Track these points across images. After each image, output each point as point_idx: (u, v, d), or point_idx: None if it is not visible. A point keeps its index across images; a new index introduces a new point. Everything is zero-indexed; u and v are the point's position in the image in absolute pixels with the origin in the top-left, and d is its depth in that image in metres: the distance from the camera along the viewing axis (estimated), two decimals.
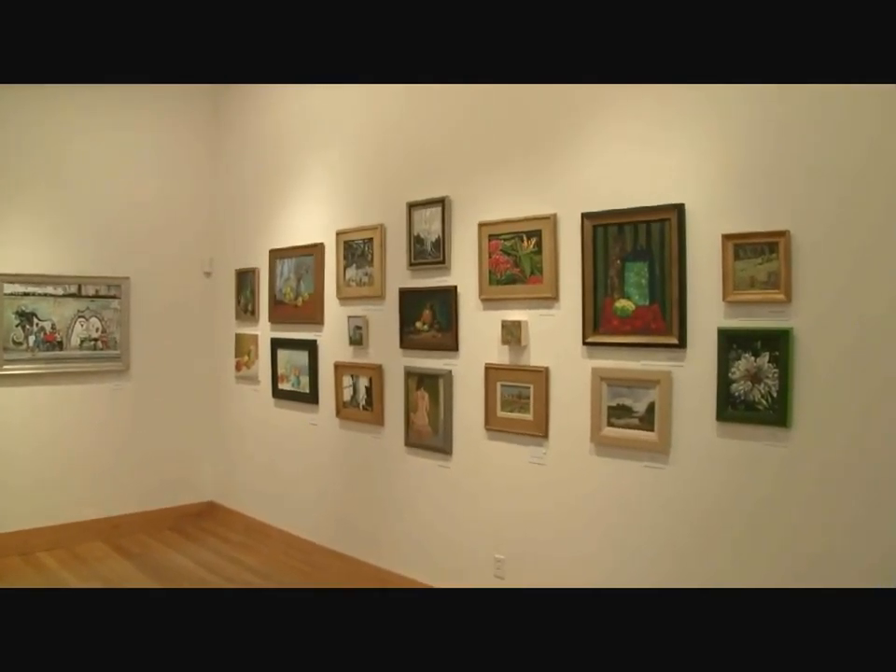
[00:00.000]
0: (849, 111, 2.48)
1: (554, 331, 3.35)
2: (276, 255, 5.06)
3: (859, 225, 2.47)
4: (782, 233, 2.61)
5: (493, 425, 3.60)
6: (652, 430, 2.99)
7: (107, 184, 5.29)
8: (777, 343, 2.63)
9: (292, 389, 4.94)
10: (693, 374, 2.88)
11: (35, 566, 4.71)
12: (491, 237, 3.56)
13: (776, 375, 2.64)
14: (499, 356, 3.58)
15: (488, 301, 3.62)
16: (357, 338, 4.34)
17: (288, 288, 4.95)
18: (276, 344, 5.08)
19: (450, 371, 3.81)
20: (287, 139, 5.03)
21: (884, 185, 2.41)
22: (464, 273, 3.74)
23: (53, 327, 5.03)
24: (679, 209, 2.88)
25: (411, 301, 4.00)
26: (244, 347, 5.44)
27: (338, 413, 4.54)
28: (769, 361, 2.66)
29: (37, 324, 4.97)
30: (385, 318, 4.19)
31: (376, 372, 4.24)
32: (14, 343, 4.88)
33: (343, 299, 4.49)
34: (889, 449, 2.41)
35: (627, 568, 3.09)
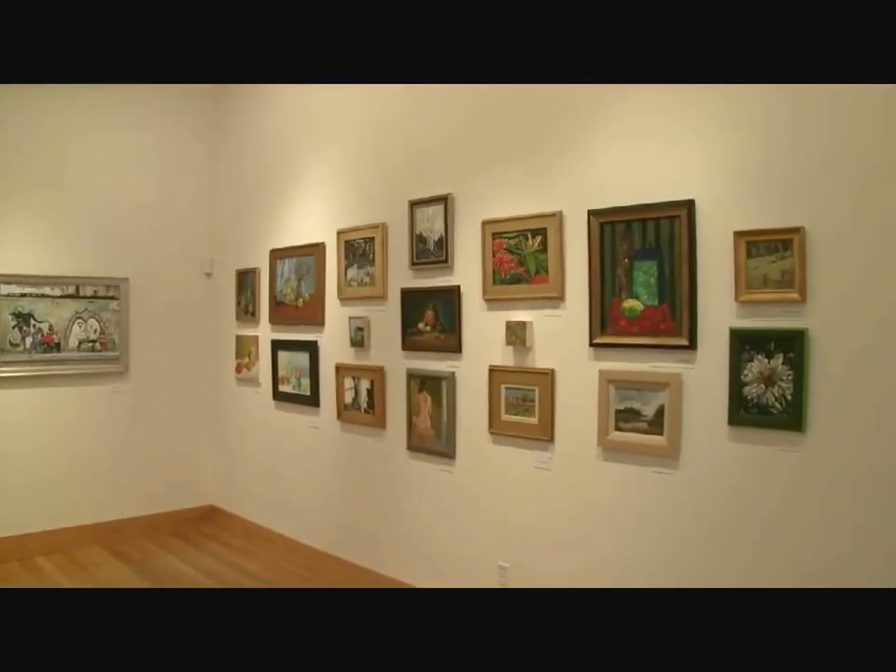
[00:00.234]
0: (866, 102, 2.38)
1: (560, 332, 3.26)
2: (277, 255, 4.99)
3: (876, 221, 2.38)
4: (796, 230, 2.52)
5: (497, 428, 3.52)
6: (661, 435, 2.90)
7: (107, 184, 5.24)
8: (791, 345, 2.54)
9: (293, 391, 4.87)
10: (703, 377, 2.79)
11: (33, 571, 4.65)
12: (495, 235, 3.48)
13: (790, 378, 2.55)
14: (503, 357, 3.50)
15: (492, 302, 3.54)
16: (359, 339, 4.26)
17: (289, 289, 4.88)
18: (277, 346, 5.01)
19: (453, 373, 3.73)
20: (288, 138, 4.97)
21: None
22: (467, 272, 3.66)
23: (51, 328, 4.97)
24: (689, 205, 2.79)
25: (413, 302, 3.92)
26: (244, 349, 5.38)
27: (339, 415, 4.46)
28: (783, 363, 2.56)
29: (35, 325, 4.91)
30: (386, 319, 4.12)
31: (378, 374, 4.16)
32: (11, 344, 4.82)
33: (345, 299, 4.42)
34: None
35: (635, 577, 3.00)
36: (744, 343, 2.66)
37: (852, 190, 2.42)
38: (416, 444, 3.95)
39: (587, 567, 3.17)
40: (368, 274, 4.23)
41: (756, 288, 2.63)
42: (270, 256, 5.07)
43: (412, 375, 3.95)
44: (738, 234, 2.66)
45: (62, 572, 4.63)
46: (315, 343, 4.65)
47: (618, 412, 3.04)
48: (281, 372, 4.98)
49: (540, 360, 3.35)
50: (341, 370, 4.42)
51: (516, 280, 3.41)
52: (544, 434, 3.31)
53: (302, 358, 4.76)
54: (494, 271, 3.50)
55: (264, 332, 5.19)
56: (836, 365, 2.47)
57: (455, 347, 3.71)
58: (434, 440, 3.84)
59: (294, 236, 4.86)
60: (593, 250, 3.09)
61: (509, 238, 3.42)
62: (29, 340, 4.88)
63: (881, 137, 2.36)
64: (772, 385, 2.59)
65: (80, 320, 5.09)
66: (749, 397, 2.65)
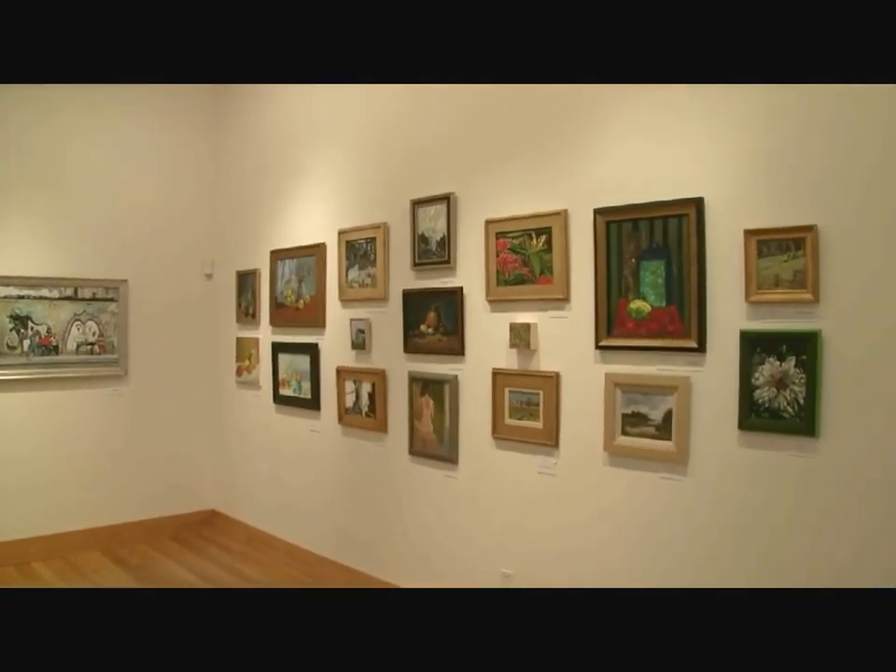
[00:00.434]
0: (881, 97, 2.30)
1: (565, 334, 3.19)
2: (277, 256, 4.93)
3: (893, 219, 2.30)
4: (809, 228, 2.44)
5: (500, 433, 3.45)
6: (670, 440, 2.82)
7: (106, 184, 5.20)
8: (803, 347, 2.46)
9: (293, 395, 4.80)
10: (713, 380, 2.71)
11: (30, 576, 4.59)
12: (498, 235, 3.41)
13: (802, 381, 2.47)
14: (507, 360, 3.42)
15: (496, 303, 3.46)
16: (360, 342, 4.19)
17: (290, 290, 4.82)
18: (277, 348, 4.95)
19: (455, 377, 3.66)
20: (289, 137, 4.91)
21: None
22: (470, 273, 3.59)
23: (49, 331, 4.92)
24: (698, 203, 2.71)
25: (415, 303, 3.85)
26: (244, 351, 5.31)
27: (340, 419, 4.39)
28: (795, 366, 2.49)
29: (32, 328, 4.85)
30: (388, 321, 4.05)
31: (379, 378, 4.09)
32: (8, 347, 4.76)
33: (346, 301, 4.35)
34: None
35: (642, 586, 2.92)
36: (755, 346, 2.58)
37: (867, 187, 2.34)
38: (418, 449, 3.88)
39: (593, 574, 3.09)
40: (369, 275, 4.16)
41: (767, 289, 2.55)
42: (270, 257, 5.01)
43: (414, 378, 3.88)
44: (749, 233, 2.58)
45: (59, 577, 4.57)
46: (316, 345, 4.59)
47: (625, 416, 2.96)
48: (281, 375, 4.92)
49: (545, 363, 3.28)
50: (342, 373, 4.35)
51: (520, 281, 3.34)
52: (549, 439, 3.24)
53: (303, 361, 4.69)
54: (497, 271, 3.43)
55: (265, 334, 5.12)
56: (850, 368, 2.39)
57: (457, 350, 3.64)
58: (436, 444, 3.77)
59: (295, 237, 4.80)
60: (599, 250, 3.02)
61: (513, 238, 3.35)
62: (27, 342, 4.83)
63: None
64: (784, 389, 2.52)
65: (79, 322, 5.04)
66: (761, 401, 2.57)
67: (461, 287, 3.62)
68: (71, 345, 5.00)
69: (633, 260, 2.93)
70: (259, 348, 5.16)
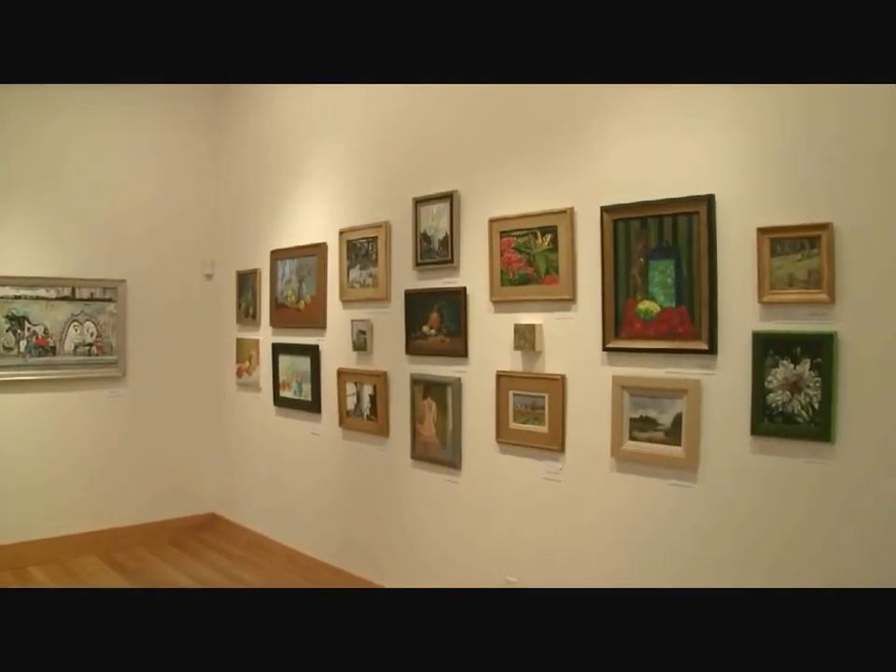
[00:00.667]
0: None
1: (571, 336, 3.11)
2: (277, 256, 4.87)
3: None
4: (824, 226, 2.36)
5: (505, 437, 3.37)
6: (679, 445, 2.74)
7: (105, 184, 5.14)
8: (819, 349, 2.38)
9: (294, 397, 4.73)
10: (724, 383, 2.63)
11: (25, 580, 4.53)
12: (503, 234, 3.34)
13: (817, 384, 2.39)
14: (512, 362, 3.35)
15: (500, 304, 3.39)
16: (361, 343, 4.12)
17: (290, 291, 4.75)
18: (278, 350, 4.88)
19: (459, 379, 3.59)
20: (289, 136, 4.85)
21: None
22: (474, 273, 3.51)
23: (46, 331, 4.86)
24: (709, 201, 2.64)
25: (417, 304, 3.78)
26: (244, 353, 5.25)
27: (341, 422, 4.32)
28: (810, 369, 2.40)
29: (29, 328, 4.79)
30: (390, 322, 3.97)
31: (381, 380, 4.01)
32: (4, 348, 4.70)
33: (347, 301, 4.28)
34: None
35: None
36: (768, 348, 2.50)
37: (884, 184, 2.26)
38: (420, 453, 3.81)
39: (599, 583, 3.01)
40: (370, 275, 4.09)
41: (781, 289, 2.47)
42: (270, 257, 4.94)
43: (416, 381, 3.80)
44: (762, 231, 2.50)
45: (54, 582, 4.51)
46: (317, 346, 4.52)
47: (632, 420, 2.89)
48: (282, 377, 4.85)
49: (551, 365, 3.20)
50: (342, 374, 4.28)
51: (525, 281, 3.26)
52: (554, 443, 3.16)
53: (303, 363, 4.62)
54: (502, 271, 3.35)
55: (265, 335, 5.06)
56: (868, 371, 2.31)
57: (460, 351, 3.56)
58: (439, 448, 3.69)
59: (295, 236, 4.73)
60: (606, 249, 2.95)
61: (517, 236, 3.28)
62: (23, 343, 4.77)
63: None
64: (798, 393, 2.43)
65: (76, 323, 4.97)
66: (774, 405, 2.49)
67: (464, 288, 3.54)
68: (68, 346, 4.94)
69: (641, 260, 2.85)
70: (260, 349, 5.10)
